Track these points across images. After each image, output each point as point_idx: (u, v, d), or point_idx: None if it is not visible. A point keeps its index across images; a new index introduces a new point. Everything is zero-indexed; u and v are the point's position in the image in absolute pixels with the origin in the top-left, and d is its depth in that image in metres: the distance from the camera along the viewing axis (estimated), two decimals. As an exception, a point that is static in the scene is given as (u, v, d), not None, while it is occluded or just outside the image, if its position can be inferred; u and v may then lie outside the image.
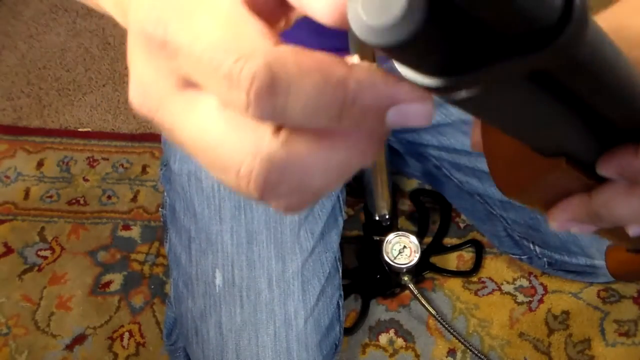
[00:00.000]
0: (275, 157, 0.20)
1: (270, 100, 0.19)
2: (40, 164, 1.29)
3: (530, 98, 0.22)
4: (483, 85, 0.19)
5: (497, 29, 0.18)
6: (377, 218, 0.99)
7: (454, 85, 0.19)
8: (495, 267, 1.10)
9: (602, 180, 0.30)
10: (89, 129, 1.34)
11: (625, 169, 0.28)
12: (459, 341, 0.95)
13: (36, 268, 1.15)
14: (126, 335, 1.07)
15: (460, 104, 0.21)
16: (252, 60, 0.19)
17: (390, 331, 1.05)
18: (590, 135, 0.27)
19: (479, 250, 1.11)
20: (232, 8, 0.20)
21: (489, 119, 0.24)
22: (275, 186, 0.21)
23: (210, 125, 0.21)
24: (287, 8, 0.24)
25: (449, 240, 1.14)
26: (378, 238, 0.99)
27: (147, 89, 0.22)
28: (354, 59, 0.21)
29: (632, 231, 0.31)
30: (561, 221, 0.33)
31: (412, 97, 0.20)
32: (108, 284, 1.13)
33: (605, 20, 0.33)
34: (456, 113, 0.91)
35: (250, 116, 0.19)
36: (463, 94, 0.20)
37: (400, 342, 1.04)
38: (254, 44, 0.19)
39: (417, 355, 1.03)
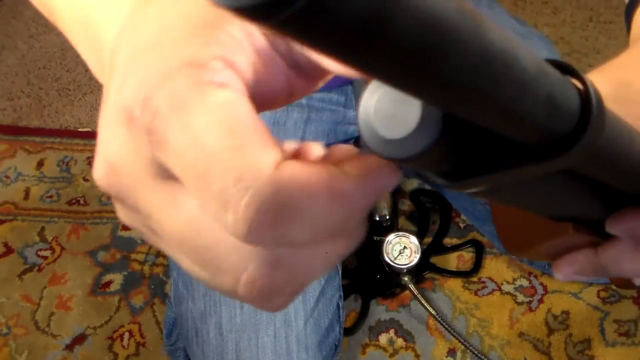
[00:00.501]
0: (282, 264, 0.19)
1: (273, 230, 0.17)
2: (40, 164, 1.29)
3: (543, 186, 0.22)
4: (495, 185, 0.19)
5: (513, 141, 0.17)
6: (377, 218, 0.99)
7: (464, 186, 0.19)
8: (495, 267, 1.10)
9: (607, 236, 0.31)
10: (89, 129, 1.34)
11: (634, 229, 0.29)
12: (459, 341, 0.95)
13: (36, 268, 1.15)
14: (126, 335, 1.07)
15: (469, 194, 0.21)
16: (255, 187, 0.17)
17: (390, 331, 1.05)
18: (599, 202, 0.28)
19: (479, 250, 1.11)
20: (233, 104, 0.18)
21: (499, 203, 0.24)
22: (280, 290, 0.19)
23: (201, 225, 0.19)
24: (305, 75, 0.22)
25: (449, 240, 1.14)
26: (378, 238, 0.99)
27: (120, 170, 0.19)
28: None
29: (637, 282, 0.34)
30: (567, 274, 0.34)
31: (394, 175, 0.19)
32: (108, 284, 1.13)
33: (614, 74, 0.33)
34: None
35: (244, 242, 0.18)
36: (473, 190, 0.20)
37: (400, 342, 1.04)
38: (255, 162, 0.17)
39: (417, 355, 1.03)
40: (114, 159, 0.19)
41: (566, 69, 0.18)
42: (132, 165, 0.19)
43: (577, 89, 0.18)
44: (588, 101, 0.18)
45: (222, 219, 0.17)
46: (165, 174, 0.19)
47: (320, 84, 0.23)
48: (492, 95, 0.14)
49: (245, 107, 0.18)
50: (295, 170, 0.17)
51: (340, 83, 0.89)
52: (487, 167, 0.19)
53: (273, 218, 0.17)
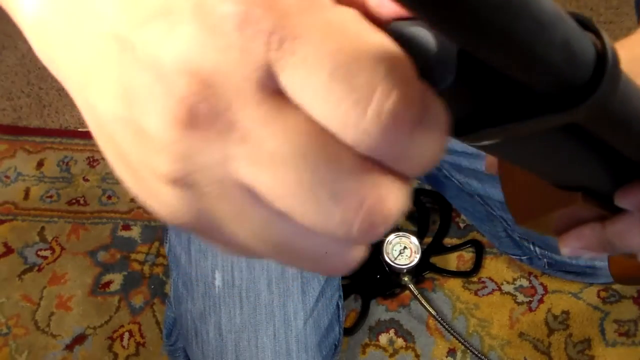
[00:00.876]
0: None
1: (408, 139, 0.17)
2: (40, 164, 1.28)
3: (554, 144, 0.22)
4: (508, 137, 0.19)
5: (529, 87, 0.18)
6: (377, 218, 0.99)
7: (479, 137, 0.19)
8: (495, 267, 1.10)
9: (615, 211, 0.31)
10: (89, 129, 1.34)
11: None
12: (459, 341, 0.95)
13: (36, 268, 1.15)
14: (126, 335, 1.07)
15: (481, 147, 0.21)
16: (404, 88, 0.16)
17: (390, 331, 1.05)
18: (609, 171, 0.28)
19: (479, 251, 1.11)
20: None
21: (510, 161, 0.24)
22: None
23: (314, 139, 0.17)
24: None
25: (449, 241, 1.14)
26: (378, 238, 0.99)
27: (219, 82, 0.17)
28: None
29: None
30: (573, 248, 0.33)
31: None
32: (108, 284, 1.13)
33: (624, 51, 0.33)
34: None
35: (369, 149, 0.17)
36: (486, 142, 0.20)
37: (400, 342, 1.04)
38: (407, 63, 0.16)
39: (417, 355, 1.03)
40: (210, 68, 0.16)
41: (585, 25, 0.18)
42: (236, 75, 0.16)
43: (594, 43, 0.18)
44: (604, 54, 0.18)
45: (354, 119, 0.16)
46: (273, 87, 0.17)
47: None
48: (510, 30, 0.15)
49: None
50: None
51: None
52: (501, 118, 0.19)
53: (412, 124, 0.16)
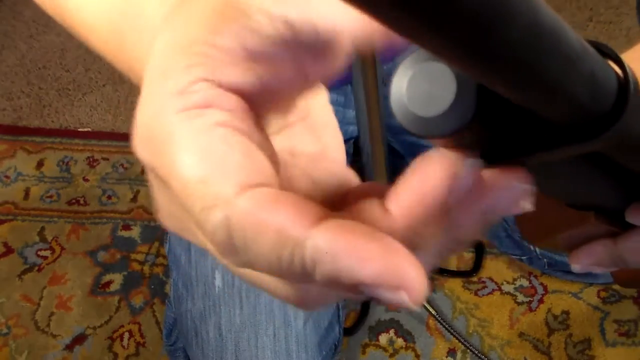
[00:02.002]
0: None
1: (232, 255, 0.18)
2: (40, 164, 1.29)
3: (571, 169, 0.22)
4: (527, 167, 0.19)
5: (549, 120, 0.17)
6: (377, 218, 0.99)
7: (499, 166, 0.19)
8: (495, 267, 1.10)
9: (626, 227, 0.31)
10: (89, 129, 1.34)
11: None
12: (459, 341, 0.95)
13: (36, 268, 1.15)
14: (126, 335, 1.07)
15: None
16: (213, 214, 0.17)
17: (390, 331, 1.05)
18: (621, 190, 0.28)
19: (479, 250, 1.11)
20: (206, 131, 0.18)
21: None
22: None
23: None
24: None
25: (449, 240, 1.14)
26: (378, 238, 0.99)
27: (168, 214, 0.21)
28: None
29: None
30: (585, 265, 0.33)
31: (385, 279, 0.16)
32: (108, 284, 1.13)
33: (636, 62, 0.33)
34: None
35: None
36: None
37: (400, 342, 1.04)
38: (219, 190, 0.17)
39: (417, 355, 1.03)
40: (159, 205, 0.21)
41: (603, 51, 0.18)
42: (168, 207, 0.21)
43: (614, 70, 0.18)
44: (627, 82, 0.17)
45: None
46: None
47: (340, 65, 0.22)
48: (540, 69, 0.14)
49: (217, 132, 0.18)
50: (257, 202, 0.17)
51: (339, 83, 0.89)
52: (520, 150, 0.18)
53: (228, 246, 0.18)
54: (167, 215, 0.21)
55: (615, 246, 0.32)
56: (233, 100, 0.19)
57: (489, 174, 0.18)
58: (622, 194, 0.29)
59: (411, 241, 0.18)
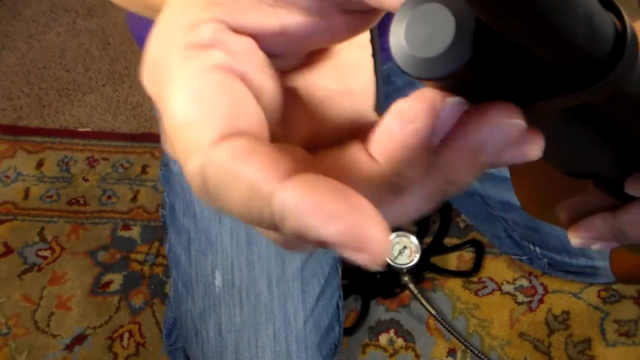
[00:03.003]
0: None
1: (208, 200, 0.18)
2: (40, 164, 1.28)
3: (568, 127, 0.22)
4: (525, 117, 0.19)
5: (547, 63, 0.17)
6: (377, 218, 0.99)
7: None
8: (495, 267, 1.10)
9: (626, 199, 0.30)
10: (89, 129, 1.34)
11: None
12: (459, 341, 0.95)
13: (36, 268, 1.15)
14: (126, 335, 1.07)
15: None
16: (192, 160, 0.18)
17: (390, 331, 1.05)
18: (620, 158, 0.27)
19: (479, 250, 1.11)
20: (203, 76, 0.19)
21: None
22: None
23: None
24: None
25: (449, 240, 1.14)
26: (378, 238, 0.99)
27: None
28: None
29: None
30: (584, 239, 0.32)
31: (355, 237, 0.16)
32: (108, 284, 1.13)
33: None
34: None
35: None
36: None
37: (400, 342, 1.04)
38: (200, 137, 0.18)
39: (417, 355, 1.03)
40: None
41: (606, 4, 0.18)
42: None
43: (614, 22, 0.18)
44: (624, 32, 0.17)
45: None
46: None
47: (370, 19, 0.21)
48: (533, 3, 0.14)
49: (211, 76, 0.18)
50: (234, 151, 0.17)
51: None
52: (514, 97, 0.18)
53: (203, 191, 0.18)
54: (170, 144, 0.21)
55: (615, 219, 0.31)
56: (240, 42, 0.19)
57: (475, 110, 0.18)
58: (621, 163, 0.28)
59: (397, 185, 0.19)
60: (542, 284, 1.08)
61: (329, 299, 0.85)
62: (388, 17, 0.19)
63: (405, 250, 0.96)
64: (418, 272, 1.04)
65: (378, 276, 1.04)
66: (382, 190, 0.19)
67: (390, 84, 0.91)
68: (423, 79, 0.17)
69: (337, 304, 0.88)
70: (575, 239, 0.33)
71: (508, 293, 1.08)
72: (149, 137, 1.31)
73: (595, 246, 0.32)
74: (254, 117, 0.19)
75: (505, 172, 0.90)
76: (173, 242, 0.88)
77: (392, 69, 0.90)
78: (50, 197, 1.24)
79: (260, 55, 0.20)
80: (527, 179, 0.33)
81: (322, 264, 0.85)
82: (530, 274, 1.09)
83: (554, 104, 0.18)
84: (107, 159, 1.29)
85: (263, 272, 0.80)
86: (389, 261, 0.94)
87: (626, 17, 0.18)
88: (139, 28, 0.85)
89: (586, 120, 0.22)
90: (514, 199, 0.91)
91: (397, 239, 0.96)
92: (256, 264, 0.80)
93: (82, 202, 1.23)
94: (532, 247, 0.98)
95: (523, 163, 0.30)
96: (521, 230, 0.96)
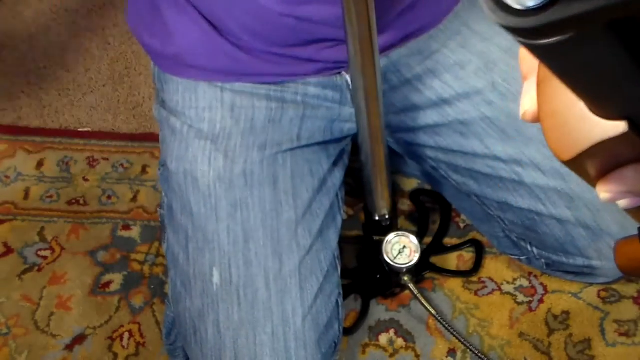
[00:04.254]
0: None
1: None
2: (40, 164, 1.29)
3: (605, 50, 0.21)
4: (574, 28, 0.18)
5: None
6: (377, 218, 0.99)
7: (549, 26, 0.18)
8: (495, 267, 1.10)
9: None
10: (89, 129, 1.34)
11: None
12: (459, 341, 0.95)
13: (36, 268, 1.15)
14: (126, 335, 1.07)
15: (539, 51, 0.20)
16: None
17: (390, 331, 1.05)
18: None
19: (479, 250, 1.11)
20: None
21: (559, 72, 0.23)
22: None
23: None
24: None
25: (449, 240, 1.14)
26: (378, 238, 0.99)
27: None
28: None
29: None
30: (614, 193, 0.30)
31: None
32: (108, 284, 1.13)
33: None
34: (453, 114, 0.91)
35: None
36: (551, 39, 0.19)
37: (400, 342, 1.04)
38: None
39: (417, 355, 1.03)
40: None
41: None
42: None
43: None
44: None
45: None
46: None
47: None
48: None
49: None
50: None
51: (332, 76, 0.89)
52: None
53: None
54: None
55: None
56: None
57: None
58: None
59: None
60: (542, 284, 1.08)
61: (327, 296, 0.85)
62: None
63: (405, 250, 0.96)
64: (418, 272, 1.04)
65: (378, 276, 1.04)
66: None
67: (386, 82, 0.91)
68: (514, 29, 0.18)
69: (337, 301, 0.87)
70: (604, 194, 0.30)
71: (508, 293, 1.08)
72: (149, 137, 1.31)
73: (625, 202, 0.30)
74: None
75: (502, 172, 0.89)
76: (171, 241, 0.88)
77: (388, 67, 0.90)
78: (50, 197, 1.24)
79: None
80: (556, 119, 0.30)
81: (320, 260, 0.85)
82: (530, 274, 1.09)
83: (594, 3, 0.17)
84: (107, 159, 1.29)
85: (260, 269, 0.80)
86: (389, 261, 0.94)
87: None
88: (139, 28, 0.85)
89: (628, 42, 0.21)
90: (510, 199, 0.91)
91: (397, 239, 0.96)
92: (254, 261, 0.80)
93: (82, 202, 1.23)
94: (529, 247, 0.98)
95: (551, 100, 0.30)
96: (518, 230, 0.96)
